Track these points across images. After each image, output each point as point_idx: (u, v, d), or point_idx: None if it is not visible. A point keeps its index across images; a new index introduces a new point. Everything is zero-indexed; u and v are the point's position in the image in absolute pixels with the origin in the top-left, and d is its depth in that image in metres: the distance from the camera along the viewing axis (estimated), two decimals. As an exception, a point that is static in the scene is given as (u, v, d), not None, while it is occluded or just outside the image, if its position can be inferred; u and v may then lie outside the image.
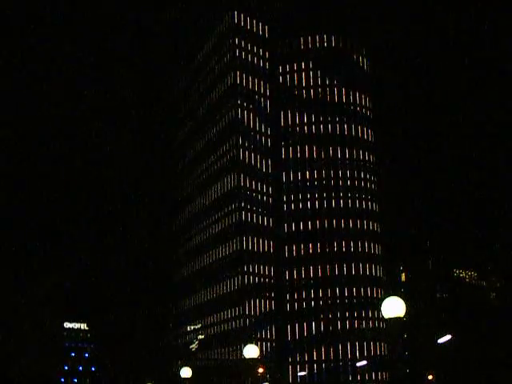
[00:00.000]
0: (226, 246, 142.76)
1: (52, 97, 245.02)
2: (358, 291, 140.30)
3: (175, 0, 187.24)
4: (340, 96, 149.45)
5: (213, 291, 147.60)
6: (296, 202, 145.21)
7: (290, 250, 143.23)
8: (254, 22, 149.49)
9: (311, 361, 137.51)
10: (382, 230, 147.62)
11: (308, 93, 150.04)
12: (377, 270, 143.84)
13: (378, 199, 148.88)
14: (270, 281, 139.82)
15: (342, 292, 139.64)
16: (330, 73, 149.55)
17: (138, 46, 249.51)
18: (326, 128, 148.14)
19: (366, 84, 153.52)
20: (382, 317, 20.17)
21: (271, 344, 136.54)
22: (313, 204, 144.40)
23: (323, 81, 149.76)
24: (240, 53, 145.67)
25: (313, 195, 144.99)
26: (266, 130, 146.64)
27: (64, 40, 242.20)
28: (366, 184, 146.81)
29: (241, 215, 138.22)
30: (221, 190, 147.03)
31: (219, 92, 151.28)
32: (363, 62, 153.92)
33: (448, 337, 52.84)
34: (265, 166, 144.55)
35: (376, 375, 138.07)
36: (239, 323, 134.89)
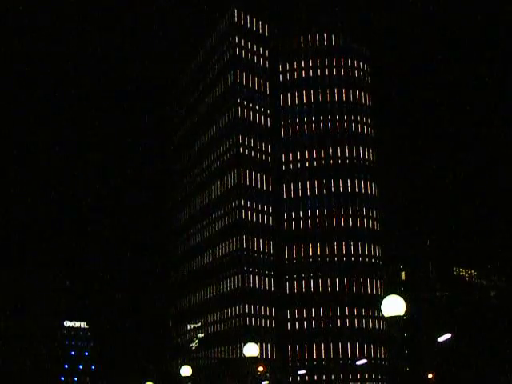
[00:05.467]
0: (226, 245, 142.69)
1: (51, 96, 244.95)
2: (358, 291, 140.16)
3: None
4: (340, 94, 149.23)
5: (213, 290, 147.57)
6: (296, 201, 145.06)
7: (290, 249, 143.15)
8: (255, 20, 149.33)
9: (311, 359, 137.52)
10: (382, 229, 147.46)
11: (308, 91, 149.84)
12: (377, 269, 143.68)
13: (378, 199, 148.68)
14: (269, 279, 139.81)
15: (342, 292, 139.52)
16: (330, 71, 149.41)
17: (138, 44, 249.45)
18: (325, 127, 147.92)
19: (366, 83, 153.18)
20: (382, 316, 20.11)
21: (271, 342, 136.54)
22: (313, 203, 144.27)
23: (323, 79, 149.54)
24: (240, 51, 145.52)
25: (313, 194, 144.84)
26: (266, 127, 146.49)
27: (64, 40, 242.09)
28: (366, 183, 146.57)
29: (241, 214, 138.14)
30: (221, 188, 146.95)
31: (219, 90, 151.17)
32: (363, 60, 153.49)
33: (448, 335, 52.75)
34: (265, 164, 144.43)
35: (376, 374, 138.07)
36: (239, 322, 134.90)
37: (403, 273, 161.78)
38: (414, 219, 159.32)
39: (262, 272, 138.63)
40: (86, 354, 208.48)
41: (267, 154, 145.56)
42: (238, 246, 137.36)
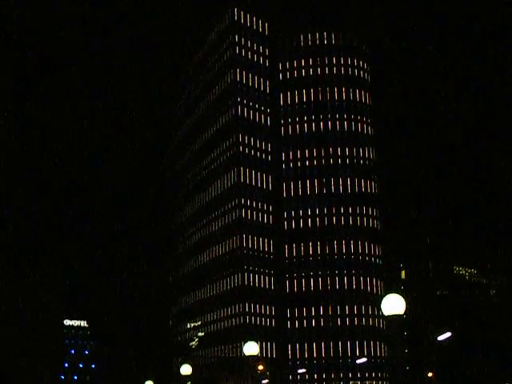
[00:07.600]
0: (225, 244, 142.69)
1: (51, 98, 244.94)
2: (358, 290, 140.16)
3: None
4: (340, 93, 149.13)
5: (213, 289, 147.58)
6: (296, 200, 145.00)
7: (290, 248, 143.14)
8: (254, 19, 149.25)
9: (311, 358, 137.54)
10: (382, 228, 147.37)
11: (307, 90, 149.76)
12: (377, 268, 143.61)
13: (379, 198, 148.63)
14: (269, 278, 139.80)
15: (342, 290, 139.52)
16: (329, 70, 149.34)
17: (138, 43, 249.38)
18: (325, 126, 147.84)
19: (366, 82, 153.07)
20: (383, 314, 20.10)
21: (271, 341, 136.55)
22: (313, 202, 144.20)
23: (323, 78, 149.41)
24: (240, 50, 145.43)
25: (313, 193, 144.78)
26: (266, 126, 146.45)
27: (63, 39, 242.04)
28: (366, 182, 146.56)
29: (241, 213, 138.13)
30: (220, 187, 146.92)
31: (219, 89, 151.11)
32: (363, 59, 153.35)
33: (448, 334, 52.75)
34: (265, 163, 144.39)
35: (376, 373, 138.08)
36: (239, 320, 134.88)
37: (403, 272, 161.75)
38: (414, 218, 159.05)
39: (261, 271, 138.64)
40: (86, 352, 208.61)
41: (267, 153, 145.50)
42: (238, 244, 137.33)
